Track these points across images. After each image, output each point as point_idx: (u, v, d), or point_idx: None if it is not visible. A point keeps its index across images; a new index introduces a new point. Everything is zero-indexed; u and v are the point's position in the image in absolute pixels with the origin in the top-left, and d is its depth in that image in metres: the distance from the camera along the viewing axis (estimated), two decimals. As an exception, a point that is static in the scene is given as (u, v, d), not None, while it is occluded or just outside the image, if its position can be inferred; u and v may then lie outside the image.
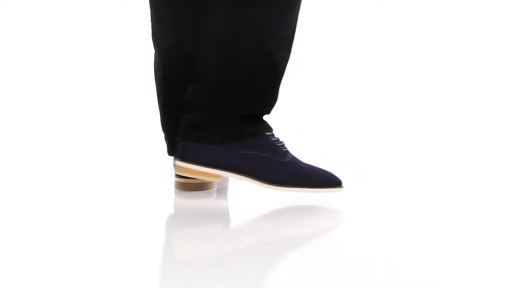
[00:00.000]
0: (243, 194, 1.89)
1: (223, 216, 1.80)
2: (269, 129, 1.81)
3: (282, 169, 1.77)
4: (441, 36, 3.26)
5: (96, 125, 2.76)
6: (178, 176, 1.86)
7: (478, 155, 2.42)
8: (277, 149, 1.78)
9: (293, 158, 1.80)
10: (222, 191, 1.90)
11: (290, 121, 2.63)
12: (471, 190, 2.02)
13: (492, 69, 3.18)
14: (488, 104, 3.00)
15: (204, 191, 1.87)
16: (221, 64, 1.76)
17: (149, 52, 1.97)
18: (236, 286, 1.35)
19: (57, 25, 3.17)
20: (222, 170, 1.76)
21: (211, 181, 1.86)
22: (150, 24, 1.92)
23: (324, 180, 1.79)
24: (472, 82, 3.15)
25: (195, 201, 1.83)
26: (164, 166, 2.02)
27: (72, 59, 3.14)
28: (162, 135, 1.93)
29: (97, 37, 3.13)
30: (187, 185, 1.86)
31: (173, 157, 1.89)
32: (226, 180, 1.93)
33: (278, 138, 1.81)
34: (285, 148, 1.81)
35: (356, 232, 1.68)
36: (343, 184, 1.81)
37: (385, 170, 2.21)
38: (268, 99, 1.80)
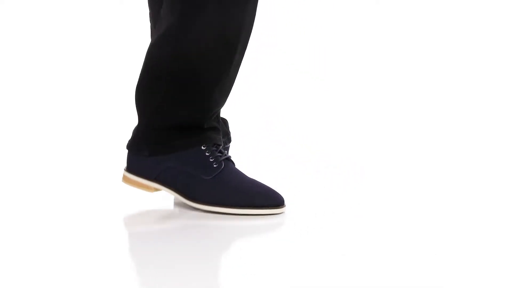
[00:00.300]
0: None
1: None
2: (209, 140, 1.75)
3: (202, 186, 1.73)
4: (440, 36, 3.26)
5: (96, 125, 2.77)
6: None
7: (477, 155, 2.42)
8: (205, 164, 1.74)
9: (228, 174, 1.73)
10: None
11: (290, 121, 2.63)
12: (470, 190, 2.02)
13: (492, 69, 3.18)
14: (488, 104, 3.00)
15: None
16: (141, 71, 1.76)
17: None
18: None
19: (57, 25, 3.17)
20: (152, 182, 1.76)
21: None
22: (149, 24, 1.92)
23: (251, 199, 1.72)
24: (472, 82, 3.15)
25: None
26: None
27: (72, 59, 3.14)
28: None
29: (97, 37, 3.13)
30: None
31: None
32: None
33: (214, 151, 1.75)
34: (220, 163, 1.74)
35: (356, 232, 1.68)
36: (282, 205, 1.74)
37: (385, 170, 2.21)
38: (196, 108, 1.73)
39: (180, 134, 1.74)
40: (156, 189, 1.77)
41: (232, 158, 1.81)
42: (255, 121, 2.71)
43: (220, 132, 1.79)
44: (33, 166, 2.26)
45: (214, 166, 1.74)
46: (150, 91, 1.75)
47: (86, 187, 2.03)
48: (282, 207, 1.75)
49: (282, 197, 1.75)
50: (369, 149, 2.25)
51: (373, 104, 3.01)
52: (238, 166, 1.83)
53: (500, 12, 3.21)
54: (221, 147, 1.78)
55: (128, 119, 2.80)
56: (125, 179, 1.79)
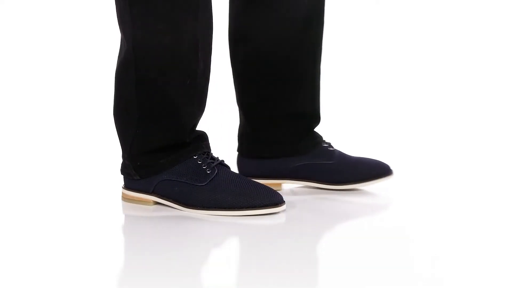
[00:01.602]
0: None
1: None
2: (197, 150, 1.77)
3: (198, 193, 1.74)
4: (440, 36, 3.26)
5: (96, 125, 2.77)
6: None
7: (477, 154, 2.42)
8: (198, 172, 1.75)
9: (223, 177, 1.74)
10: None
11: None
12: (471, 189, 2.02)
13: (492, 69, 3.18)
14: (488, 104, 3.00)
15: None
16: (114, 96, 1.79)
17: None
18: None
19: (56, 25, 3.17)
20: (150, 195, 1.78)
21: None
22: None
23: (247, 200, 1.72)
24: (471, 82, 3.15)
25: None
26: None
27: (72, 59, 3.14)
28: None
29: (96, 37, 3.14)
30: None
31: None
32: None
33: (206, 158, 1.76)
34: (213, 168, 1.75)
35: (356, 233, 1.69)
36: (282, 203, 1.75)
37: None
38: (171, 127, 1.75)
39: (164, 153, 1.76)
40: (156, 202, 1.79)
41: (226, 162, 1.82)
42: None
43: (206, 138, 1.81)
44: (33, 166, 2.26)
45: (208, 172, 1.75)
46: (123, 120, 1.77)
47: (86, 187, 2.03)
48: (281, 205, 1.75)
49: (280, 196, 1.75)
50: (369, 149, 2.25)
51: (372, 104, 3.01)
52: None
53: (500, 12, 3.21)
54: (211, 153, 1.79)
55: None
56: (124, 196, 1.82)
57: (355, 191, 1.94)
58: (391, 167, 1.95)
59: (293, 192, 1.94)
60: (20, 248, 1.54)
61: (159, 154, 1.76)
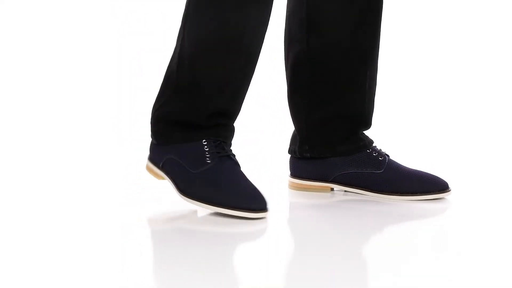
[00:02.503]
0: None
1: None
2: (210, 135, 1.77)
3: (189, 179, 1.75)
4: (440, 36, 3.27)
5: (97, 125, 2.77)
6: None
7: (477, 154, 2.42)
8: (196, 158, 1.76)
9: (218, 171, 1.74)
10: None
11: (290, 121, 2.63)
12: (471, 188, 2.01)
13: (492, 68, 3.18)
14: (488, 103, 3.00)
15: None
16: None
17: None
18: None
19: (57, 25, 3.17)
20: (159, 170, 1.81)
21: None
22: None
23: (227, 199, 1.70)
24: (472, 81, 3.15)
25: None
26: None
27: (72, 59, 3.14)
28: None
29: (97, 37, 3.14)
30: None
31: None
32: None
33: (213, 146, 1.76)
34: (214, 159, 1.75)
35: (356, 233, 1.68)
36: (260, 211, 1.70)
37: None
38: (194, 106, 1.77)
39: (180, 128, 1.78)
40: (162, 178, 1.81)
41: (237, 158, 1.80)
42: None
43: (229, 129, 1.80)
44: (33, 166, 2.26)
45: (208, 161, 1.75)
46: (162, 88, 1.80)
47: (86, 187, 2.03)
48: (258, 213, 1.69)
49: (264, 204, 1.70)
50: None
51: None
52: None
53: (500, 12, 3.22)
54: (225, 144, 1.78)
55: (128, 119, 2.81)
56: (146, 167, 1.84)
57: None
58: (449, 184, 1.88)
59: (343, 195, 1.92)
60: (22, 249, 1.54)
61: (176, 127, 1.78)
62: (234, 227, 1.68)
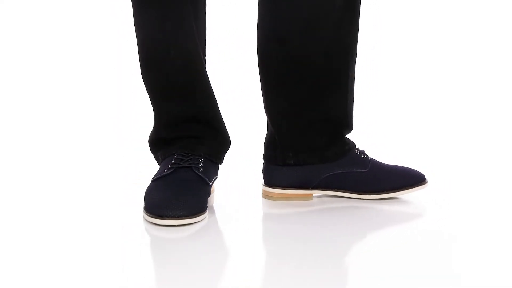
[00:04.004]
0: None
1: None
2: (176, 149, 1.79)
3: (148, 186, 1.78)
4: (440, 36, 3.27)
5: (97, 125, 2.77)
6: None
7: (477, 154, 2.42)
8: (161, 169, 1.78)
9: (163, 179, 1.75)
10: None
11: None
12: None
13: (492, 68, 3.18)
14: (488, 103, 3.00)
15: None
16: None
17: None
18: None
19: (57, 25, 3.17)
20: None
21: None
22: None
23: (148, 204, 1.71)
24: (471, 81, 3.15)
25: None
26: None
27: (72, 59, 3.14)
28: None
29: (96, 37, 3.14)
30: None
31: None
32: None
33: (180, 159, 1.78)
34: (168, 168, 1.76)
35: (356, 233, 1.69)
36: (170, 218, 1.68)
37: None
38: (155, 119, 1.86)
39: (156, 148, 1.86)
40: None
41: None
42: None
43: (201, 142, 1.80)
44: (33, 166, 2.26)
45: (165, 171, 1.76)
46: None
47: (86, 187, 2.03)
48: (165, 219, 1.66)
49: (180, 212, 1.67)
50: (369, 149, 2.25)
51: (372, 103, 3.01)
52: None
53: (500, 12, 3.22)
54: (193, 155, 1.78)
55: (128, 119, 2.81)
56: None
57: (386, 200, 1.88)
58: (426, 176, 1.90)
59: (322, 202, 1.87)
60: (22, 249, 1.55)
61: (154, 147, 1.85)
62: (234, 227, 1.70)
